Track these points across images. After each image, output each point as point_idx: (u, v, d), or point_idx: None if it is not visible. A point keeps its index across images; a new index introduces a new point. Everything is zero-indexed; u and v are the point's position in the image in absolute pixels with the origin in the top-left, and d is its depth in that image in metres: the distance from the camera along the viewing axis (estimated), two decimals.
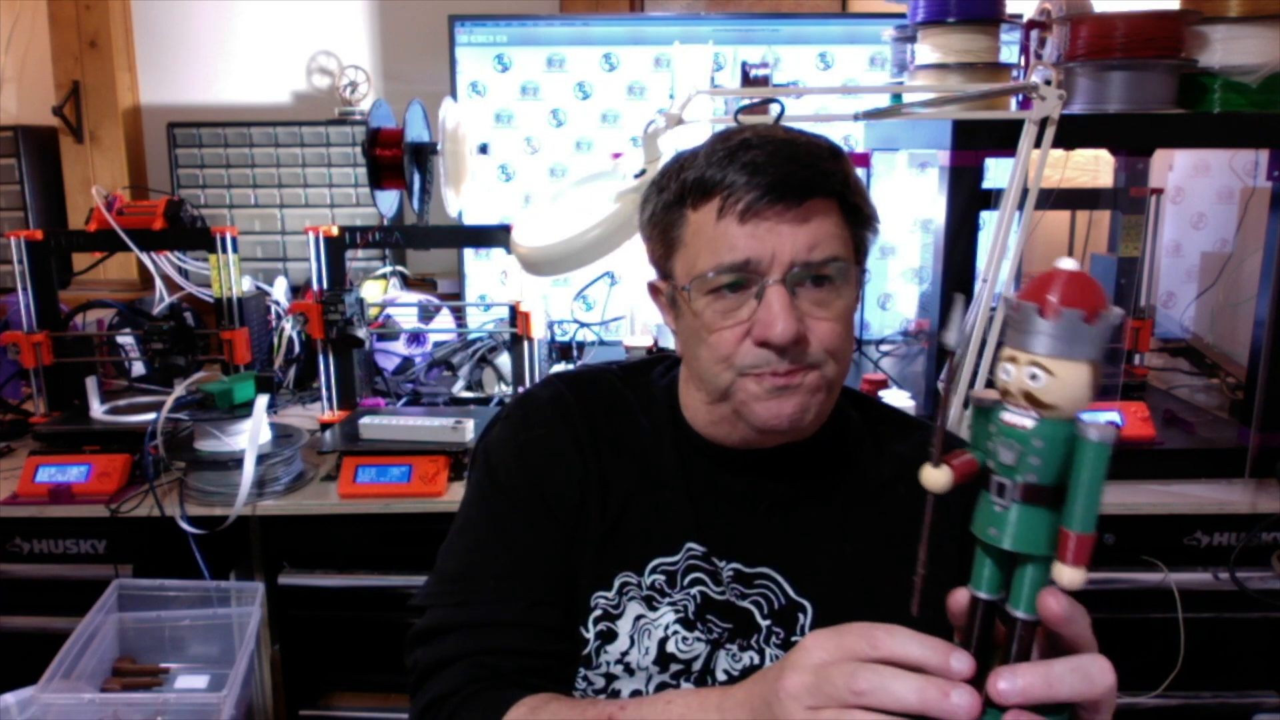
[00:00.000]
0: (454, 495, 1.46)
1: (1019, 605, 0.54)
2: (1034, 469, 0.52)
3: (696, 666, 0.83)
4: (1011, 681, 0.53)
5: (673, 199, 0.82)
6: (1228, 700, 1.52)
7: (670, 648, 0.84)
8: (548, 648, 0.83)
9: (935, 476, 0.55)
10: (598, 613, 0.84)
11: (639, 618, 0.84)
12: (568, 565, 0.85)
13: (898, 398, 1.59)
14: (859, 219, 0.82)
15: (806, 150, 0.79)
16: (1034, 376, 0.51)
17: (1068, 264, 0.51)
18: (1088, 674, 0.53)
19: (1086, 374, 0.51)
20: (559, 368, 1.89)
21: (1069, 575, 0.51)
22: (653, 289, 0.90)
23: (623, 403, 0.92)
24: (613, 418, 0.91)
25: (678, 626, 0.84)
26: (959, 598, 0.58)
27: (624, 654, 0.84)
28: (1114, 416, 1.50)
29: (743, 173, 0.77)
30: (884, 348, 2.07)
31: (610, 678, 0.84)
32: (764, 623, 0.84)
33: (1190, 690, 1.48)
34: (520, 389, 1.70)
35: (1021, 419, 0.52)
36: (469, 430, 1.50)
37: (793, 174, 0.77)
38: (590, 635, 0.84)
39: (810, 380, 0.80)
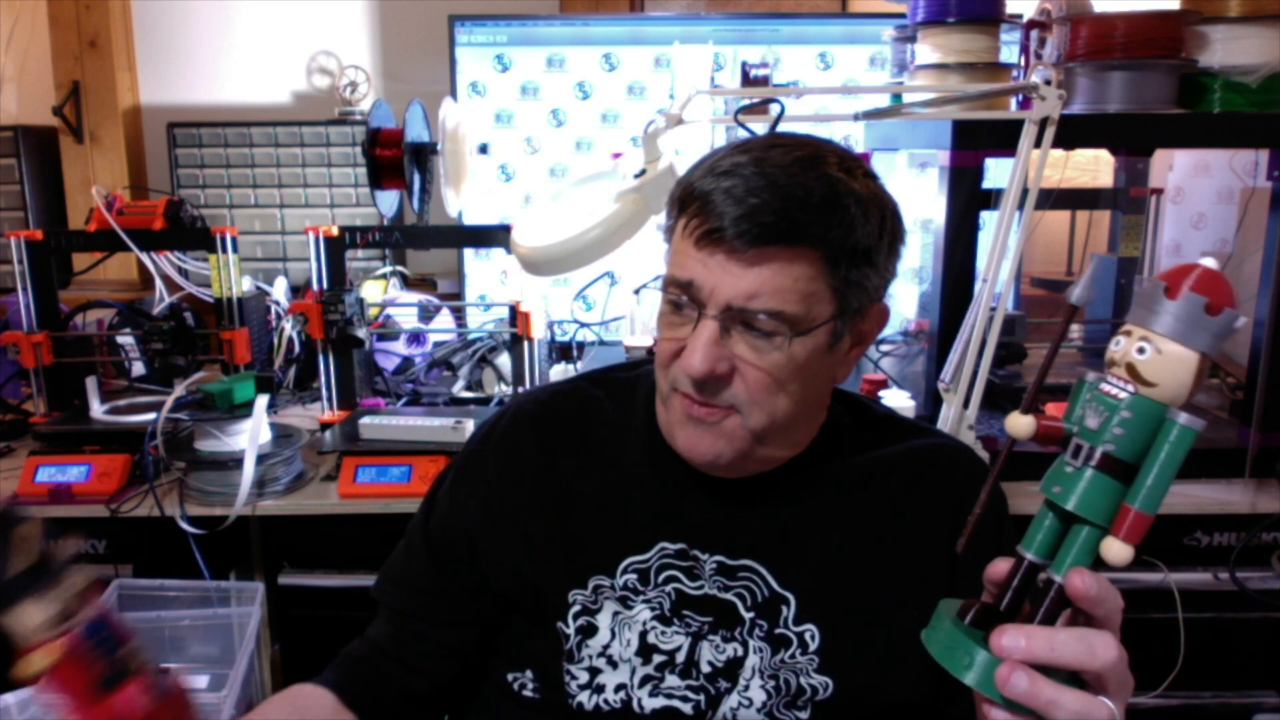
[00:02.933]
0: None
1: (1059, 570, 0.55)
2: (1115, 439, 0.53)
3: (680, 658, 0.84)
4: (1015, 639, 0.54)
5: (674, 195, 0.82)
6: (1228, 700, 1.52)
7: (651, 640, 0.84)
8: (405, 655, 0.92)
9: (1020, 422, 0.56)
10: (576, 608, 0.85)
11: (616, 613, 0.85)
12: (496, 585, 0.90)
13: (898, 398, 1.59)
14: (847, 277, 0.77)
15: (788, 194, 0.74)
16: (1141, 350, 0.52)
17: (1209, 262, 0.53)
18: (1090, 646, 0.54)
19: (1194, 363, 0.52)
20: (559, 368, 1.90)
21: (1117, 549, 0.52)
22: None
23: (590, 407, 0.93)
24: (576, 426, 0.92)
25: (655, 622, 0.84)
26: (1000, 565, 0.59)
27: (605, 647, 0.85)
28: None
29: (715, 197, 0.75)
30: (884, 348, 2.07)
31: (594, 671, 0.85)
32: (747, 615, 0.84)
33: (1190, 690, 1.48)
34: (520, 389, 1.70)
35: (1118, 389, 0.53)
36: (469, 430, 1.50)
37: (755, 217, 0.73)
38: (571, 630, 0.85)
39: (729, 424, 0.79)
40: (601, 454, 0.90)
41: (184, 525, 1.44)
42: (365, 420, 1.55)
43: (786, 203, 0.74)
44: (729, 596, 0.84)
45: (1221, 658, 1.50)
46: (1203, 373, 0.52)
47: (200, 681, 1.48)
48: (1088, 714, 0.54)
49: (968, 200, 1.45)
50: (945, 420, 1.38)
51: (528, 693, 0.87)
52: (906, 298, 2.13)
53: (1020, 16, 1.60)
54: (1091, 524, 0.54)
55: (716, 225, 0.74)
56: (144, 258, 1.78)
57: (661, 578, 0.85)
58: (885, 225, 0.79)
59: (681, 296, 0.78)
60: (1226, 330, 0.51)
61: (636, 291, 0.85)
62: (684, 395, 0.79)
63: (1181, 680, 1.44)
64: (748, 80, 1.79)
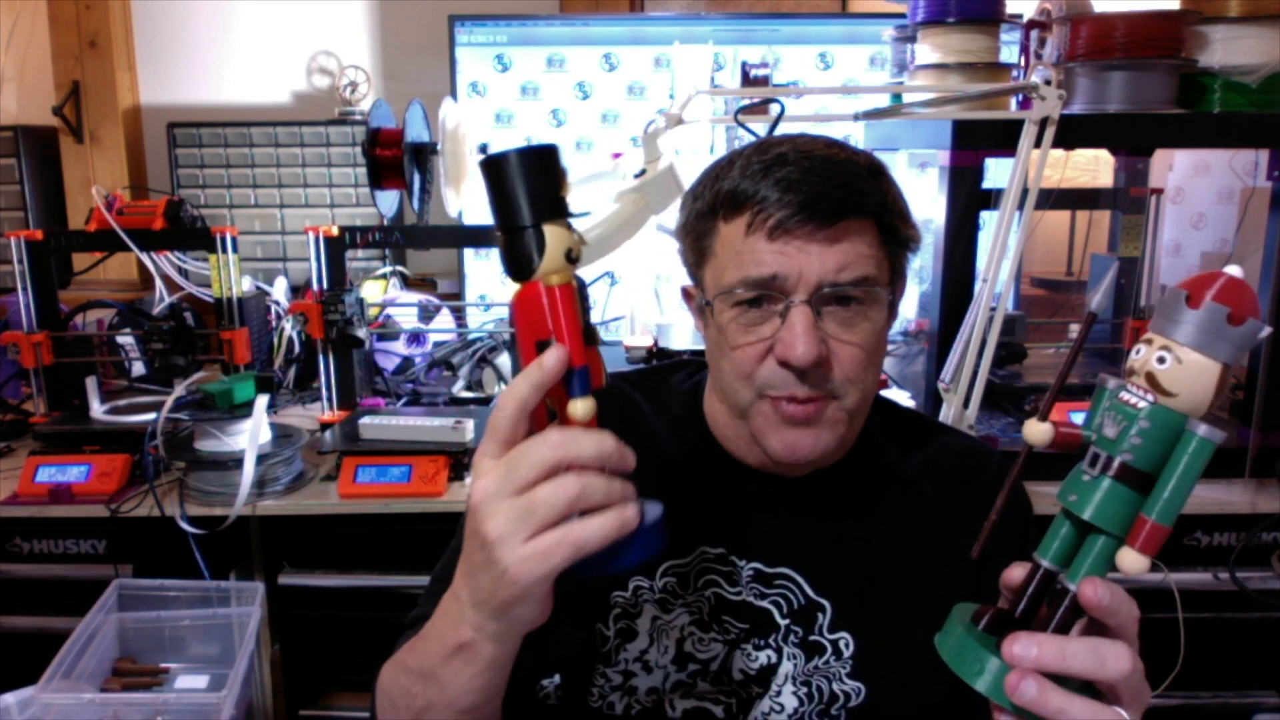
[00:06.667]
0: (454, 495, 1.46)
1: (1074, 579, 0.55)
2: (1133, 448, 0.52)
3: (714, 666, 0.84)
4: (1026, 647, 0.54)
5: (705, 208, 0.81)
6: (1228, 700, 1.52)
7: (688, 647, 0.84)
8: None
9: (1038, 430, 0.55)
10: (617, 610, 0.85)
11: (655, 618, 0.85)
12: None
13: (898, 398, 1.59)
14: (896, 240, 0.80)
15: (844, 169, 0.77)
16: (1161, 360, 0.51)
17: (1233, 270, 0.52)
18: (1102, 656, 0.54)
19: (1215, 373, 0.51)
20: None
21: (1132, 560, 0.52)
22: (685, 294, 0.90)
23: (630, 409, 0.92)
24: (616, 424, 0.90)
25: (693, 628, 0.84)
26: (1015, 571, 0.59)
27: (643, 652, 0.84)
28: None
29: (775, 189, 0.75)
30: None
31: (628, 674, 0.84)
32: (783, 622, 0.84)
33: (1190, 690, 1.48)
34: None
35: (1136, 398, 0.53)
36: (469, 430, 1.50)
37: (826, 194, 0.75)
38: (611, 633, 0.85)
39: (830, 413, 0.79)
40: (641, 456, 0.89)
41: (184, 525, 1.44)
42: (365, 420, 1.55)
43: (848, 176, 0.76)
44: (765, 604, 0.84)
45: (1221, 658, 1.50)
46: (1224, 383, 0.51)
47: (200, 681, 1.48)
48: None
49: (968, 200, 1.45)
50: (945, 420, 1.38)
51: (550, 700, 0.86)
52: (906, 297, 2.13)
53: (1020, 16, 1.60)
54: (1108, 534, 0.54)
55: (789, 213, 0.75)
56: (144, 258, 1.78)
57: (701, 582, 0.85)
58: (905, 197, 0.83)
59: (762, 293, 0.77)
60: (1249, 341, 0.50)
61: (710, 302, 0.85)
62: (775, 399, 0.78)
63: (1181, 680, 1.44)
64: (748, 80, 1.79)
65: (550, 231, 0.60)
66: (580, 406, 0.61)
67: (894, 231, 0.79)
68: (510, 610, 0.62)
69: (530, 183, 0.60)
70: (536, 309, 0.61)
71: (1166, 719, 1.51)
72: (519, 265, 0.61)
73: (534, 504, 0.58)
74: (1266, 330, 0.51)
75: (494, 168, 0.60)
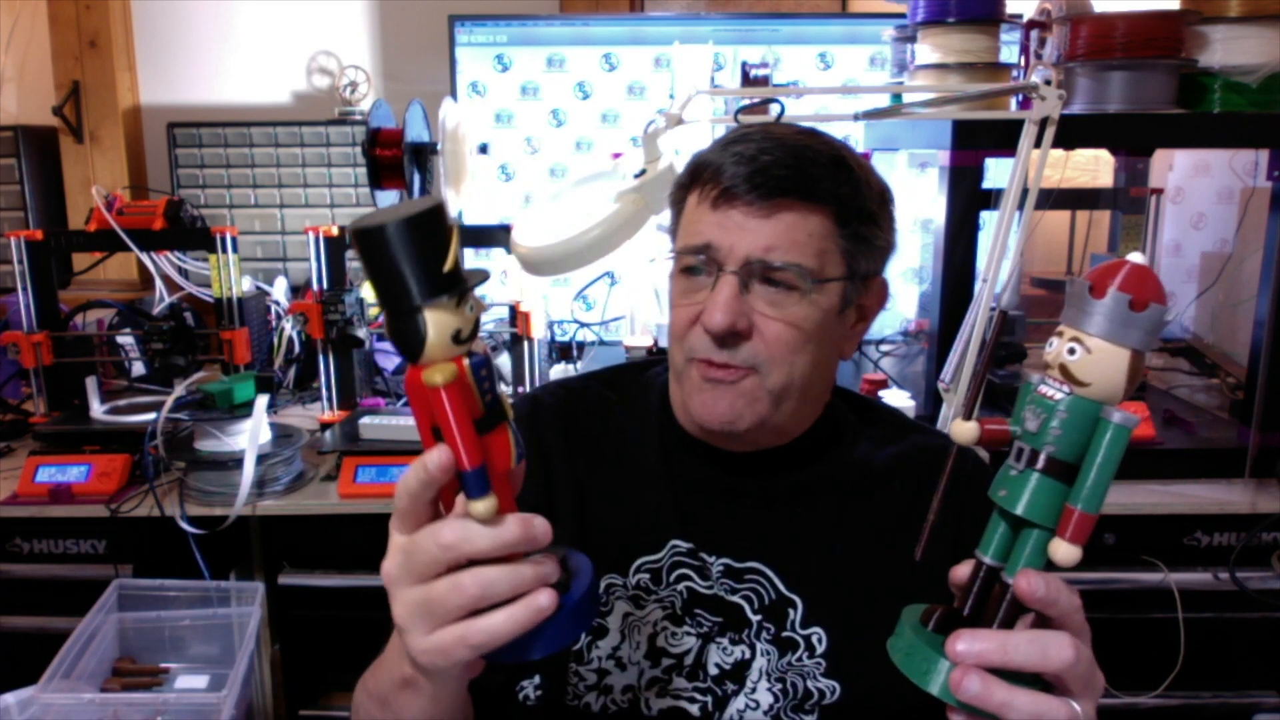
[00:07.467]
0: None
1: (1012, 573, 0.55)
2: (1054, 440, 0.53)
3: (688, 660, 0.84)
4: (969, 644, 0.54)
5: (681, 179, 0.85)
6: (1228, 700, 1.52)
7: (660, 642, 0.84)
8: None
9: (963, 429, 0.56)
10: None
11: (627, 614, 0.85)
12: None
13: (898, 398, 1.59)
14: (856, 237, 0.80)
15: (799, 153, 0.78)
16: (1072, 351, 0.52)
17: (1135, 257, 0.53)
18: (1044, 647, 0.54)
19: (1125, 360, 0.52)
20: (559, 368, 1.90)
21: (1064, 551, 0.53)
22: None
23: (604, 407, 0.93)
24: (591, 425, 0.92)
25: (666, 622, 0.84)
26: (961, 569, 0.59)
27: (615, 649, 0.84)
28: None
29: (730, 161, 0.78)
30: (884, 348, 2.07)
31: (602, 673, 0.84)
32: (754, 617, 0.84)
33: (1190, 690, 1.48)
34: (520, 389, 1.70)
35: (1053, 390, 0.53)
36: None
37: (769, 171, 0.77)
38: None
39: (746, 384, 0.80)
40: (614, 454, 0.90)
41: (184, 525, 1.44)
42: (365, 420, 1.55)
43: (798, 159, 0.78)
44: (736, 599, 0.84)
45: (1221, 658, 1.50)
46: (1136, 369, 0.52)
47: (200, 681, 1.48)
48: (1043, 715, 0.53)
49: (968, 200, 1.45)
50: (945, 420, 1.38)
51: (530, 701, 0.87)
52: (906, 298, 2.13)
53: (1020, 16, 1.60)
54: (1040, 526, 0.54)
55: (731, 184, 0.77)
56: (144, 258, 1.78)
57: (673, 576, 0.85)
58: (884, 198, 0.83)
59: (698, 260, 0.80)
60: (1154, 326, 0.51)
61: (652, 262, 0.86)
62: (700, 362, 0.80)
63: (1181, 680, 1.44)
64: (748, 80, 1.79)
65: (431, 317, 0.53)
66: (479, 508, 0.56)
67: (851, 227, 0.80)
68: (434, 674, 0.61)
69: (406, 259, 0.51)
70: (424, 399, 0.56)
71: (1166, 719, 1.51)
72: (403, 348, 0.55)
73: (431, 600, 0.56)
74: (1171, 314, 0.52)
75: (363, 241, 0.51)
